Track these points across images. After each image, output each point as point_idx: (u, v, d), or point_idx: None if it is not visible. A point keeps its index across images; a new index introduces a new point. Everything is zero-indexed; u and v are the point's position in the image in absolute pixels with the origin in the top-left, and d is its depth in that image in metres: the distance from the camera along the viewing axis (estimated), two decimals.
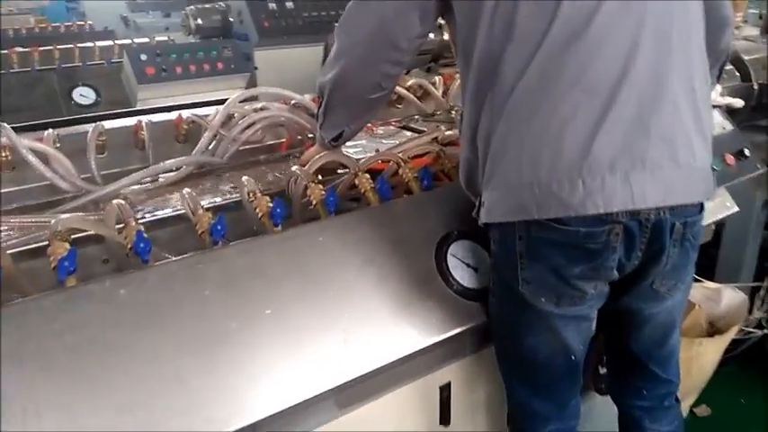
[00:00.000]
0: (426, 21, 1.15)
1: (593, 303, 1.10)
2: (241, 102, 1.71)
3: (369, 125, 1.81)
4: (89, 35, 3.38)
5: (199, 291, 1.01)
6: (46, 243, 1.05)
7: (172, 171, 1.51)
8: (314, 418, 1.09)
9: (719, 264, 2.48)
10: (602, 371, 1.45)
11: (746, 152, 1.88)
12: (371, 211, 1.26)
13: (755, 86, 2.25)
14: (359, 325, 1.09)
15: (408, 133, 1.75)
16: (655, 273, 1.07)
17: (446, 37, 2.20)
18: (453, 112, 1.90)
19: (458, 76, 1.73)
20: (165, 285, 0.99)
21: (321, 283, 1.10)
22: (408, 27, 1.15)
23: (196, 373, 0.94)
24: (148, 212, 1.33)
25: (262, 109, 1.72)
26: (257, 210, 1.18)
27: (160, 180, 1.51)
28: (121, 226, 1.10)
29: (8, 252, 1.06)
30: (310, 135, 1.70)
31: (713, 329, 1.95)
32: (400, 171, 1.35)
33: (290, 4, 2.59)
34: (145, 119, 1.66)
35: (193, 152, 1.58)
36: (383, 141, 1.65)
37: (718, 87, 1.96)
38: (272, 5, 2.56)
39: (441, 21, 1.21)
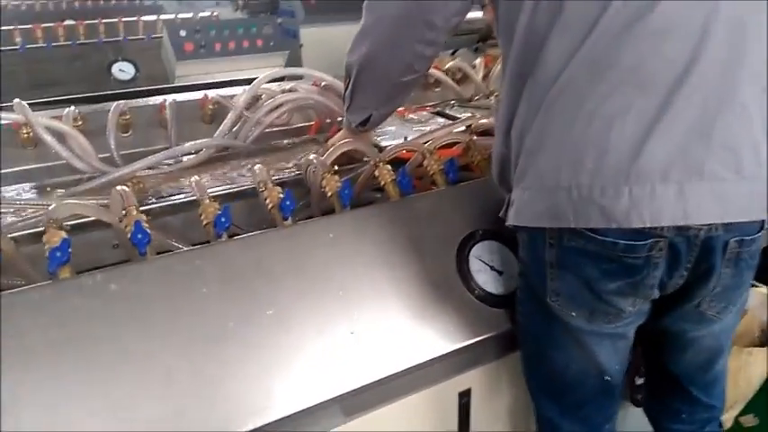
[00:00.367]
0: None
1: (632, 321, 0.99)
2: (271, 82, 1.65)
3: (400, 109, 1.73)
4: (135, 9, 3.37)
5: (196, 288, 0.95)
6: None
7: (191, 154, 1.46)
8: (318, 424, 1.03)
9: None
10: (639, 381, 1.33)
11: None
12: (389, 206, 1.17)
13: None
14: (368, 330, 1.02)
15: (441, 120, 1.64)
16: (702, 294, 0.94)
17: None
18: (492, 98, 1.78)
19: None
20: (161, 281, 0.94)
21: (328, 283, 1.03)
22: (444, 3, 1.04)
23: (186, 376, 0.89)
24: (162, 198, 1.29)
25: (290, 90, 1.65)
26: (268, 201, 1.12)
27: (184, 162, 1.47)
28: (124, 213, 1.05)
29: (9, 236, 1.02)
30: (340, 119, 1.62)
31: (766, 337, 1.80)
32: (425, 163, 1.25)
33: None
34: (170, 98, 1.61)
35: (215, 134, 1.52)
36: (414, 128, 1.55)
37: None
38: None
39: None
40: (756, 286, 1.78)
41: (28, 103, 1.39)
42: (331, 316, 1.01)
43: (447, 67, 1.85)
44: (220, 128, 1.53)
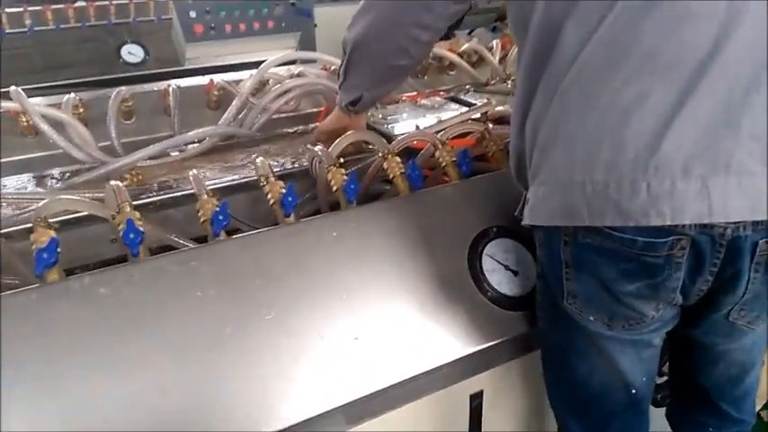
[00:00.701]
0: None
1: (656, 329, 0.92)
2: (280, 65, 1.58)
3: (413, 95, 1.65)
4: None
5: (191, 291, 0.90)
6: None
7: (195, 143, 1.41)
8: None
9: None
10: (660, 380, 1.26)
11: None
12: (397, 202, 1.11)
13: None
14: (373, 335, 0.97)
15: (455, 106, 1.56)
16: (730, 302, 0.87)
17: None
18: (509, 83, 1.69)
19: None
20: (154, 284, 0.89)
21: (332, 285, 0.98)
22: None
23: (180, 386, 0.84)
24: (163, 190, 1.24)
25: (298, 75, 1.58)
26: (269, 196, 1.06)
27: (187, 150, 1.42)
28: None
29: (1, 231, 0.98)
30: None
31: None
32: (437, 154, 1.18)
33: None
34: (173, 83, 1.56)
35: (220, 122, 1.46)
36: (426, 115, 1.47)
37: None
38: None
39: None
40: None
41: (36, 87, 1.36)
42: (335, 320, 0.96)
43: (462, 49, 1.77)
44: (225, 115, 1.47)
